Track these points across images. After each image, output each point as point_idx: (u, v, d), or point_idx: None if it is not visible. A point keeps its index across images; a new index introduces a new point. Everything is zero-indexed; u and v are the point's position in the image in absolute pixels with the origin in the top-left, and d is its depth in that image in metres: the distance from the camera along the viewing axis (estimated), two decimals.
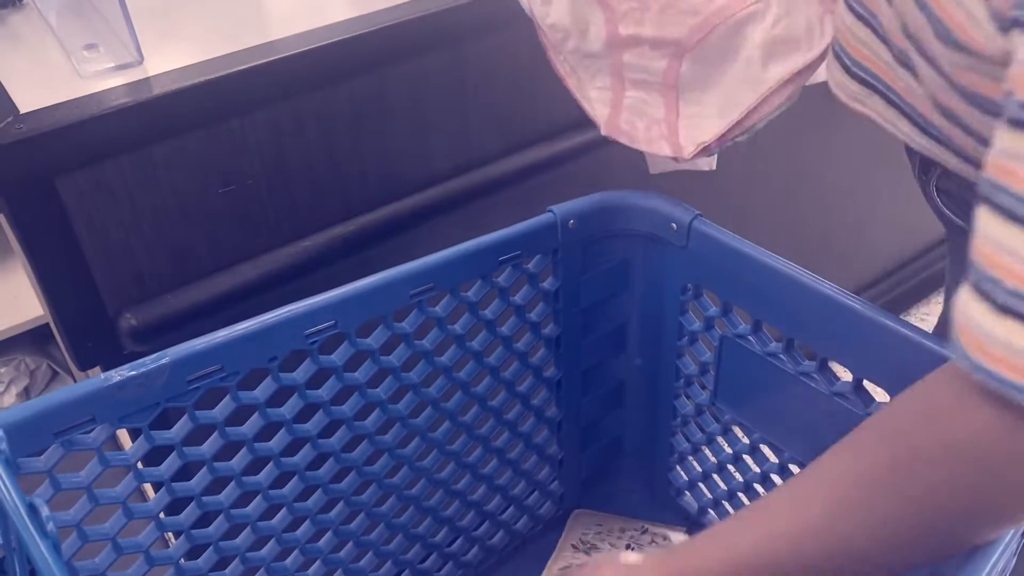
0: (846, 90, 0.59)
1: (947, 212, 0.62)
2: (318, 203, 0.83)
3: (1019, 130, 0.39)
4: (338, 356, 0.67)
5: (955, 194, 0.60)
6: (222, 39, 0.78)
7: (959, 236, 0.59)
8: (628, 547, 0.92)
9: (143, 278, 0.77)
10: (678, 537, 0.94)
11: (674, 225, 0.77)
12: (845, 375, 0.70)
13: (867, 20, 0.53)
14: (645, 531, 0.95)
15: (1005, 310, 0.39)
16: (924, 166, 0.62)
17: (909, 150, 0.62)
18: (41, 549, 0.39)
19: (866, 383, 0.68)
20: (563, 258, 0.78)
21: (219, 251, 0.79)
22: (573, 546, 0.92)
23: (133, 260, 0.75)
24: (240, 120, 0.76)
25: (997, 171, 0.40)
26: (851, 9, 0.56)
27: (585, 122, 0.78)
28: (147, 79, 0.73)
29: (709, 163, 0.99)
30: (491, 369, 0.77)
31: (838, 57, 0.59)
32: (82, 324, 0.75)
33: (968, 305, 0.41)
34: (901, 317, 0.65)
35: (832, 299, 0.67)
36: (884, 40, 0.53)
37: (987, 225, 0.41)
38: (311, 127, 0.80)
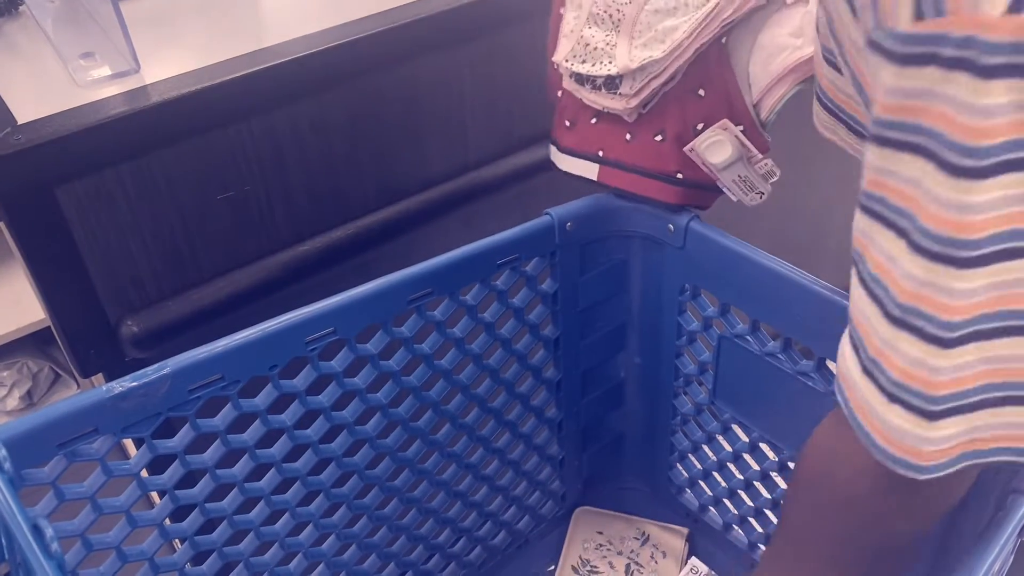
0: (820, 119, 0.61)
1: None
2: (316, 208, 0.83)
3: (874, 144, 0.40)
4: (338, 362, 0.68)
5: None
6: (218, 45, 0.79)
7: None
8: (627, 567, 0.92)
9: (143, 285, 0.77)
10: (677, 543, 0.94)
11: (671, 226, 0.77)
12: None
13: (827, 56, 0.54)
14: (646, 540, 0.95)
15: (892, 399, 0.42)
16: None
17: None
18: (46, 570, 0.39)
19: None
20: (561, 260, 0.78)
21: (218, 257, 0.80)
22: (573, 568, 0.92)
23: (133, 267, 0.76)
24: (237, 126, 0.76)
25: (856, 241, 0.43)
26: (820, 45, 0.57)
27: None
28: (144, 87, 0.74)
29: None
30: (491, 371, 0.78)
31: (816, 92, 0.60)
32: (83, 331, 0.75)
33: (844, 356, 0.46)
34: None
35: (828, 299, 0.68)
36: (841, 72, 0.54)
37: (853, 289, 0.44)
38: (307, 132, 0.80)
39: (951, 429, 0.41)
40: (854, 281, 0.44)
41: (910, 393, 0.41)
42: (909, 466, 0.43)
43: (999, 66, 0.33)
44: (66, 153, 0.69)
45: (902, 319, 0.40)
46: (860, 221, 0.42)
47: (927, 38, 0.35)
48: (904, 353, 0.41)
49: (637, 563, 0.92)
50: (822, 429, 0.53)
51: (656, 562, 0.92)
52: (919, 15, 0.35)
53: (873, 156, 0.40)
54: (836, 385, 0.47)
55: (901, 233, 0.39)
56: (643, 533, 0.95)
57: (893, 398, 0.42)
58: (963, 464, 0.43)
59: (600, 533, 0.95)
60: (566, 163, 0.79)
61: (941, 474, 0.43)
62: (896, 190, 0.39)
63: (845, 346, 0.46)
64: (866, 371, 0.43)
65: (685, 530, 0.94)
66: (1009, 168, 0.35)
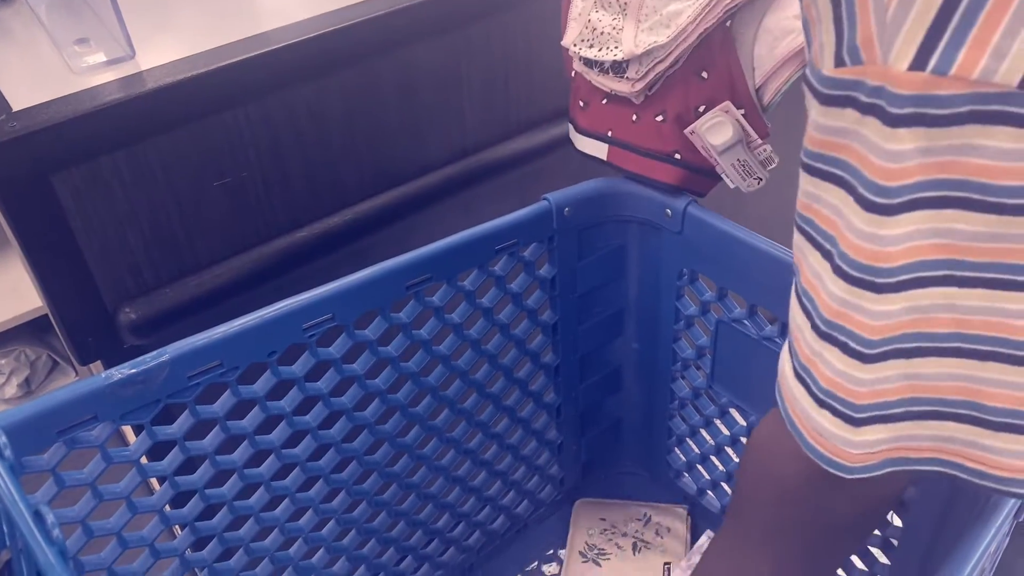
0: None
1: None
2: (313, 193, 0.83)
3: (804, 171, 0.44)
4: (336, 348, 0.68)
5: None
6: (214, 31, 0.78)
7: None
8: (635, 545, 0.93)
9: (141, 272, 0.77)
10: (679, 521, 0.95)
11: (669, 211, 0.77)
12: None
13: None
14: (648, 521, 0.95)
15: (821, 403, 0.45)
16: None
17: None
18: (48, 556, 0.39)
19: None
20: (559, 245, 0.78)
21: (215, 244, 0.80)
22: (581, 553, 0.93)
23: (130, 254, 0.76)
24: (233, 112, 0.76)
25: (801, 206, 0.46)
26: None
27: None
28: (139, 73, 0.73)
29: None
30: (489, 357, 0.78)
31: None
32: (81, 319, 0.75)
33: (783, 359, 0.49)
34: None
35: None
36: None
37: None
38: (304, 118, 0.80)
39: (875, 436, 0.44)
40: (792, 291, 0.47)
41: (836, 400, 0.44)
42: (837, 466, 0.46)
43: (905, 116, 0.36)
44: (61, 140, 0.69)
45: (828, 333, 0.43)
46: (796, 238, 0.46)
47: (846, 83, 0.38)
48: (830, 363, 0.43)
49: (643, 541, 0.93)
50: (764, 423, 0.56)
51: (662, 538, 0.93)
52: (840, 62, 0.38)
53: (804, 182, 0.44)
54: (776, 385, 0.50)
55: (827, 255, 0.42)
56: (645, 515, 0.96)
57: (822, 403, 0.45)
58: (891, 469, 0.46)
59: (603, 520, 0.96)
60: (581, 143, 0.80)
61: (867, 476, 0.46)
62: (822, 215, 0.42)
63: (784, 350, 0.49)
64: (798, 376, 0.46)
65: (685, 507, 0.95)
66: (917, 206, 0.38)
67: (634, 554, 0.92)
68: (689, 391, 0.86)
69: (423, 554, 0.86)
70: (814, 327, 0.44)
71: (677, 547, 0.92)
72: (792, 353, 0.47)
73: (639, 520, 0.95)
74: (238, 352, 0.63)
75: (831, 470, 0.46)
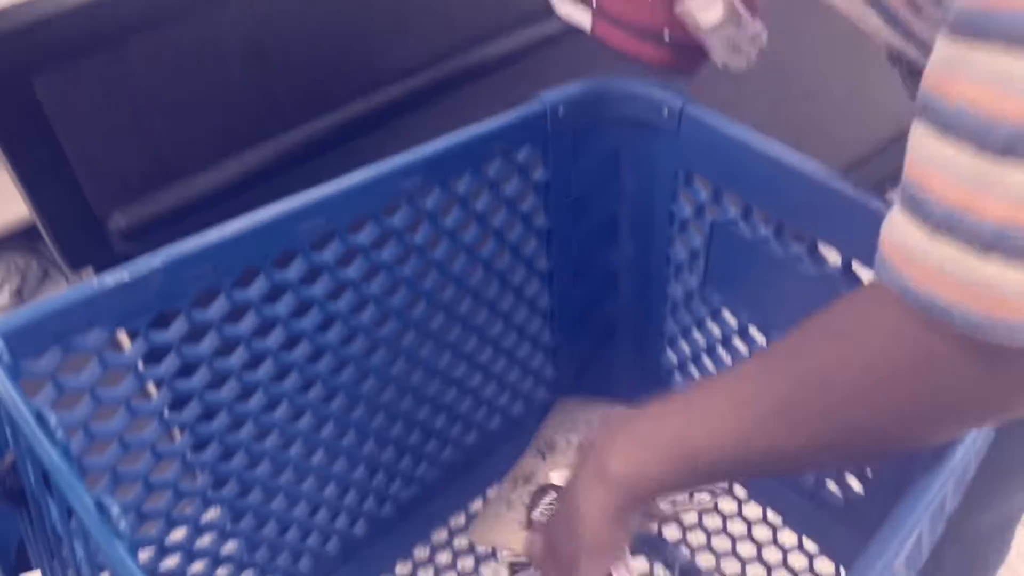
0: None
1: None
2: (299, 94, 0.82)
3: (957, 37, 0.37)
4: (330, 253, 0.67)
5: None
6: None
7: None
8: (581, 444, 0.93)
9: (128, 177, 0.76)
10: None
11: (666, 110, 0.75)
12: (834, 258, 0.70)
13: None
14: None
15: (937, 230, 0.38)
16: (892, 58, 0.62)
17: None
18: (53, 456, 0.40)
19: (855, 264, 0.69)
20: (552, 148, 0.77)
21: (203, 147, 0.78)
22: (537, 448, 0.93)
23: (117, 159, 0.74)
24: (219, 8, 0.74)
25: (933, 82, 0.39)
26: None
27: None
28: None
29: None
30: (483, 262, 0.78)
31: None
32: (69, 226, 0.75)
33: (901, 226, 0.41)
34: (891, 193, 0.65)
35: (821, 181, 0.67)
36: None
37: (919, 142, 0.40)
38: (289, 16, 0.78)
39: None
40: (919, 139, 0.40)
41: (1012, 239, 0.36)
42: (1011, 328, 0.37)
43: None
44: (41, 42, 0.67)
45: (1010, 147, 0.35)
46: (946, 50, 0.38)
47: None
48: (1013, 185, 0.35)
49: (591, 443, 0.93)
50: (850, 305, 0.47)
51: None
52: None
53: (948, 49, 0.38)
54: (883, 268, 0.42)
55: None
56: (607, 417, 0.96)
57: (989, 249, 0.36)
58: None
59: (571, 417, 0.97)
60: (564, 7, 0.76)
61: None
62: None
63: (902, 223, 0.41)
64: (938, 233, 0.38)
65: None
66: None
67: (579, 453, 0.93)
68: (683, 293, 0.87)
69: (421, 453, 0.87)
70: (981, 148, 0.36)
71: None
72: (925, 213, 0.39)
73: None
74: (231, 257, 0.62)
75: (1003, 337, 0.38)
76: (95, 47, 0.69)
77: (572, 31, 0.94)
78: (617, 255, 0.89)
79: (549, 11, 0.93)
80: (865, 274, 0.69)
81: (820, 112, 1.39)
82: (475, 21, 0.88)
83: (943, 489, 0.50)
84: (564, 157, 0.78)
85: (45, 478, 0.43)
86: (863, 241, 0.67)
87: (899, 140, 1.46)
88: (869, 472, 0.76)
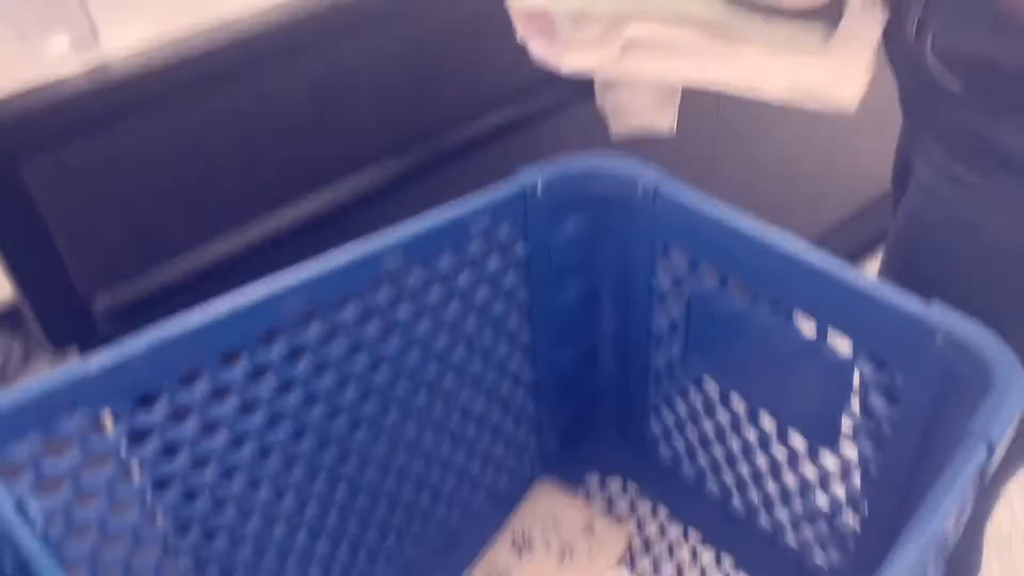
0: None
1: (938, 75, 0.62)
2: (284, 176, 0.83)
3: None
4: (312, 332, 0.68)
5: (952, 51, 0.61)
6: (182, 13, 0.77)
7: (942, 101, 0.62)
8: (562, 550, 0.92)
9: (114, 258, 0.76)
10: (618, 542, 0.94)
11: (640, 187, 0.77)
12: (811, 327, 0.72)
13: None
14: (590, 531, 0.94)
15: None
16: (921, 24, 0.62)
17: (900, 17, 0.64)
18: (32, 546, 0.39)
19: (831, 333, 0.70)
20: (532, 224, 0.78)
21: (188, 229, 0.79)
22: (512, 539, 0.93)
23: (103, 241, 0.75)
24: (204, 97, 0.76)
25: None
26: None
27: (547, 83, 0.77)
28: (106, 60, 0.73)
29: (669, 127, 0.99)
30: (465, 338, 0.78)
31: None
32: (54, 306, 0.75)
33: None
34: (870, 259, 0.67)
35: (794, 254, 0.69)
36: None
37: None
38: (275, 100, 0.80)
39: None
40: None
41: None
42: None
43: None
44: (28, 129, 0.68)
45: None
46: None
47: None
48: None
49: (571, 549, 0.93)
50: None
51: (590, 558, 0.93)
52: None
53: None
54: None
55: None
56: (590, 524, 0.95)
57: None
58: None
59: (549, 510, 0.96)
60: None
61: None
62: None
63: None
64: None
65: (626, 530, 0.95)
66: None
67: (559, 560, 0.92)
68: (665, 363, 0.88)
69: (405, 532, 0.86)
70: None
71: (601, 567, 0.92)
72: None
73: (581, 526, 0.95)
74: (214, 338, 0.63)
75: None
76: (79, 133, 0.70)
77: (549, 110, 0.97)
78: (599, 327, 0.90)
79: (525, 92, 0.96)
80: (841, 343, 0.70)
81: (795, 180, 1.42)
82: (453, 103, 0.91)
83: (924, 562, 0.51)
84: (544, 232, 0.80)
85: (24, 567, 0.42)
86: (838, 311, 0.69)
87: (871, 209, 1.49)
88: (851, 546, 0.76)
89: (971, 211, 0.65)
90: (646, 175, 0.77)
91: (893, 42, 0.67)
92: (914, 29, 0.63)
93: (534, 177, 0.77)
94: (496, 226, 0.76)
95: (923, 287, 0.67)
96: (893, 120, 0.78)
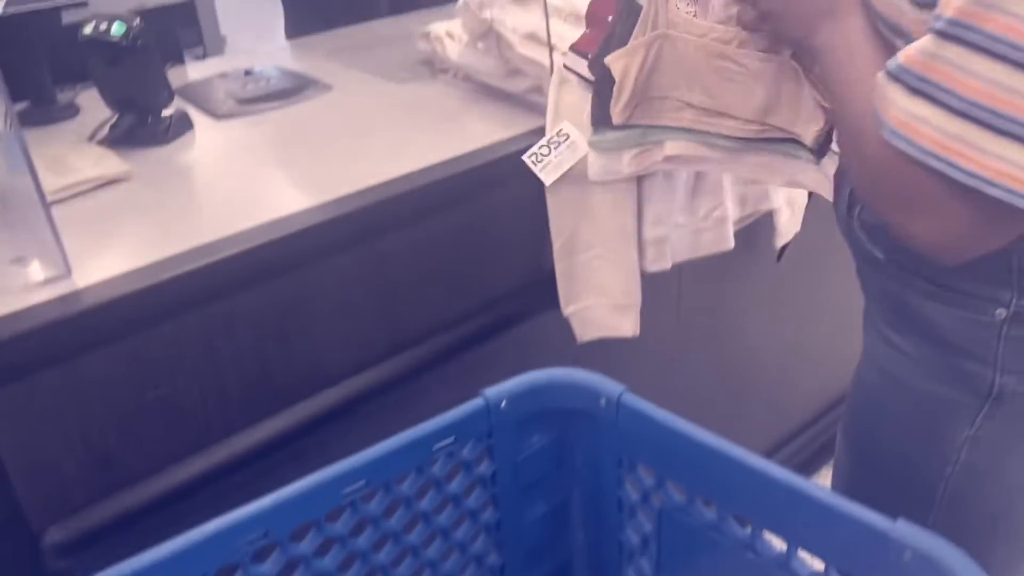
0: None
1: (866, 243, 0.74)
2: (249, 398, 0.83)
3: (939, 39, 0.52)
4: (271, 565, 0.66)
5: (872, 224, 0.72)
6: (154, 243, 0.80)
7: (873, 267, 0.74)
8: None
9: (70, 491, 0.75)
10: None
11: (603, 400, 0.78)
12: (779, 544, 0.70)
13: None
14: None
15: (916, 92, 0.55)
16: (851, 202, 0.74)
17: (838, 193, 0.76)
18: None
19: (800, 551, 0.69)
20: (497, 441, 0.78)
21: (148, 455, 0.78)
22: None
23: (60, 474, 0.74)
24: (171, 324, 0.77)
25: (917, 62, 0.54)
26: None
27: (512, 295, 0.80)
28: (76, 292, 0.74)
29: (632, 331, 1.02)
30: (430, 563, 0.76)
31: None
32: (4, 542, 0.73)
33: (887, 87, 0.57)
34: (823, 468, 0.67)
35: (760, 472, 0.68)
36: None
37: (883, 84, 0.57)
38: (241, 324, 0.81)
39: None
40: (961, 53, 0.52)
41: None
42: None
43: None
44: None
45: None
46: None
47: None
48: None
49: None
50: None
51: None
52: None
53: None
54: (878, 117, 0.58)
55: None
56: None
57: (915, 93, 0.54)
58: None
59: None
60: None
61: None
62: None
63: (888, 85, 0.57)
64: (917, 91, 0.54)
65: None
66: None
67: None
68: None
69: None
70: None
71: None
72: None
73: None
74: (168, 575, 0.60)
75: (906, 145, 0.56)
76: (45, 365, 0.71)
77: (509, 322, 0.99)
78: (569, 542, 0.88)
79: (489, 305, 0.98)
80: (816, 564, 0.69)
81: (757, 379, 1.44)
82: (418, 320, 0.93)
83: None
84: (509, 448, 0.79)
85: None
86: (805, 528, 0.68)
87: (834, 407, 1.48)
88: None
89: (901, 371, 0.74)
90: (609, 388, 0.78)
91: (838, 213, 0.77)
92: (846, 205, 0.75)
93: (498, 394, 0.77)
94: (461, 445, 0.76)
95: (863, 440, 0.81)
96: (852, 325, 0.81)
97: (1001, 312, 0.68)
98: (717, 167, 0.93)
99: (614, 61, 0.83)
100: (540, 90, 1.03)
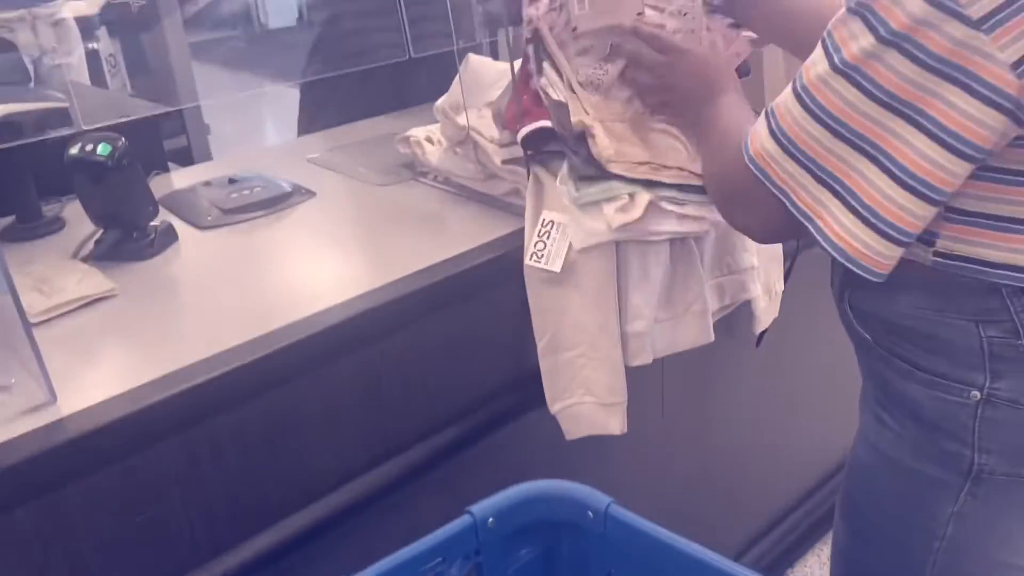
0: None
1: (856, 326, 0.79)
2: (236, 516, 0.83)
3: (793, 96, 0.67)
4: None
5: (862, 310, 0.77)
6: (138, 365, 0.80)
7: (864, 348, 0.79)
8: None
9: None
10: None
11: (590, 513, 0.78)
12: None
13: None
14: None
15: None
16: (842, 287, 0.79)
17: (832, 278, 0.80)
18: None
19: None
20: (486, 558, 0.78)
21: None
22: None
23: None
24: (156, 448, 0.77)
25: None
26: None
27: (495, 399, 0.79)
28: (60, 420, 0.74)
29: (619, 427, 1.02)
30: None
31: None
32: None
33: (760, 122, 0.71)
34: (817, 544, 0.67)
35: None
36: None
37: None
38: (227, 444, 0.81)
39: None
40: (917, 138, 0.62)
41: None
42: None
43: None
44: None
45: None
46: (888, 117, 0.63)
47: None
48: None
49: None
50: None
51: None
52: None
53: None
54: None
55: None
56: None
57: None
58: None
59: None
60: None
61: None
62: None
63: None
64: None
65: None
66: None
67: None
68: None
69: None
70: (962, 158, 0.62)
71: None
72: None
73: None
74: None
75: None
76: (28, 498, 0.70)
77: (494, 426, 0.99)
78: None
79: (475, 408, 0.99)
80: None
81: (744, 468, 1.44)
82: (405, 429, 0.93)
83: None
84: (497, 564, 0.79)
85: None
86: None
87: (819, 488, 1.47)
88: None
89: (891, 449, 0.78)
90: (597, 500, 0.78)
91: (833, 296, 0.82)
92: (838, 292, 0.80)
93: (485, 510, 0.77)
94: (448, 564, 0.75)
95: (858, 514, 0.84)
96: (835, 400, 0.83)
97: (975, 394, 0.71)
98: (695, 225, 0.97)
99: (572, 116, 0.92)
100: (518, 193, 1.05)
